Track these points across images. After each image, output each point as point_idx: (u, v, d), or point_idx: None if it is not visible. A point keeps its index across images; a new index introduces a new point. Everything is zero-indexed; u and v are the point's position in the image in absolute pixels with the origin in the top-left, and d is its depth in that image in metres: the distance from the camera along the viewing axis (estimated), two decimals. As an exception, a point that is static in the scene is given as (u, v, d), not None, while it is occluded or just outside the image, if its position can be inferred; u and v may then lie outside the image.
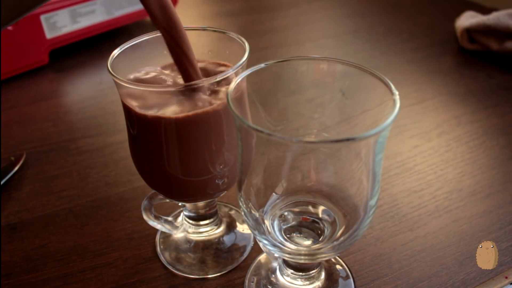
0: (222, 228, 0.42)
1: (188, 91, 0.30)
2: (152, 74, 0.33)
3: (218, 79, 0.30)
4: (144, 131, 0.32)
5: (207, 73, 0.33)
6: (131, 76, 0.33)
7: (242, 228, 0.42)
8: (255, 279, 0.37)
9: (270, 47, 0.77)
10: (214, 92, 0.31)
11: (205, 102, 0.30)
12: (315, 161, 0.29)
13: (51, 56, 0.73)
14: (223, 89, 0.31)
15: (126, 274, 0.38)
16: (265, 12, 0.92)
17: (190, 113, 0.29)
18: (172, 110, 0.30)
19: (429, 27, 0.83)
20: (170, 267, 0.39)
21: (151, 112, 0.30)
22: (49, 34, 0.70)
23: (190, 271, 0.38)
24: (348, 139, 0.24)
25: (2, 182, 0.48)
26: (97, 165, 0.51)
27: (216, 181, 0.34)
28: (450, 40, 0.77)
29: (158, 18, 0.28)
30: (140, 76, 0.33)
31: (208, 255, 0.40)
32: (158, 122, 0.30)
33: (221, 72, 0.31)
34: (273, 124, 0.32)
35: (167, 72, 0.34)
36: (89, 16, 0.74)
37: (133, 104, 0.31)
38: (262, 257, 0.39)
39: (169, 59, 0.33)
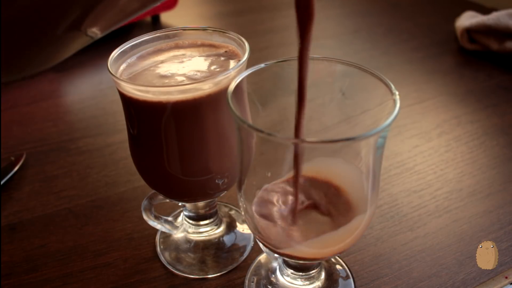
0: (222, 228, 0.42)
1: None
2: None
3: (218, 79, 0.30)
4: (143, 123, 0.31)
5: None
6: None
7: (242, 228, 0.42)
8: (255, 279, 0.37)
9: (270, 47, 0.77)
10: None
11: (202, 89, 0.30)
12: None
13: (51, 56, 0.73)
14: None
15: (126, 274, 0.38)
16: (265, 12, 0.92)
17: (188, 96, 0.29)
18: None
19: (429, 27, 0.83)
20: (170, 267, 0.39)
21: (151, 96, 0.30)
22: (49, 34, 0.70)
23: (190, 271, 0.38)
24: (348, 139, 0.24)
25: (2, 182, 0.48)
26: (97, 165, 0.51)
27: (216, 181, 0.34)
28: (450, 40, 0.77)
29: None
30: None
31: (208, 255, 0.40)
32: (158, 107, 0.30)
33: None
34: (273, 124, 0.32)
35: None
36: (89, 16, 0.74)
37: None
38: (262, 257, 0.39)
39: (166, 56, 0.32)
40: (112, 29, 0.23)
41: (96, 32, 0.22)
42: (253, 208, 0.30)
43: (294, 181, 0.28)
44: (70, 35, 0.21)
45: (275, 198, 0.30)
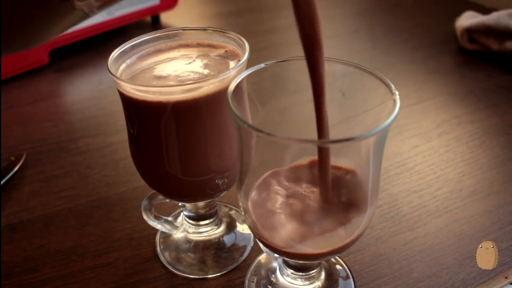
0: (222, 228, 0.42)
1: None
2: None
3: (218, 79, 0.30)
4: (143, 123, 0.31)
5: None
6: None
7: (242, 228, 0.42)
8: (255, 279, 0.37)
9: (270, 47, 0.77)
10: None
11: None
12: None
13: (51, 56, 0.73)
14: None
15: (126, 274, 0.38)
16: (265, 12, 0.92)
17: (188, 96, 0.29)
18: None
19: (429, 27, 0.83)
20: (170, 267, 0.39)
21: (151, 96, 0.30)
22: (49, 34, 0.70)
23: (190, 271, 0.38)
24: (348, 139, 0.24)
25: (2, 182, 0.48)
26: (97, 165, 0.51)
27: (216, 181, 0.34)
28: (450, 40, 0.77)
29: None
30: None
31: (208, 255, 0.40)
32: (158, 107, 0.30)
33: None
34: (273, 124, 0.32)
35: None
36: (89, 16, 0.74)
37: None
38: (262, 257, 0.39)
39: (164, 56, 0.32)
40: (109, 5, 0.23)
41: (92, 5, 0.22)
42: (253, 207, 0.30)
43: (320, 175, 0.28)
44: (65, 6, 0.21)
45: (275, 198, 0.30)
